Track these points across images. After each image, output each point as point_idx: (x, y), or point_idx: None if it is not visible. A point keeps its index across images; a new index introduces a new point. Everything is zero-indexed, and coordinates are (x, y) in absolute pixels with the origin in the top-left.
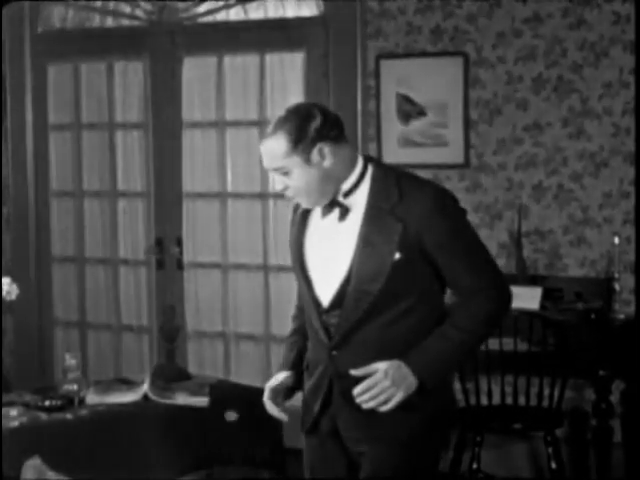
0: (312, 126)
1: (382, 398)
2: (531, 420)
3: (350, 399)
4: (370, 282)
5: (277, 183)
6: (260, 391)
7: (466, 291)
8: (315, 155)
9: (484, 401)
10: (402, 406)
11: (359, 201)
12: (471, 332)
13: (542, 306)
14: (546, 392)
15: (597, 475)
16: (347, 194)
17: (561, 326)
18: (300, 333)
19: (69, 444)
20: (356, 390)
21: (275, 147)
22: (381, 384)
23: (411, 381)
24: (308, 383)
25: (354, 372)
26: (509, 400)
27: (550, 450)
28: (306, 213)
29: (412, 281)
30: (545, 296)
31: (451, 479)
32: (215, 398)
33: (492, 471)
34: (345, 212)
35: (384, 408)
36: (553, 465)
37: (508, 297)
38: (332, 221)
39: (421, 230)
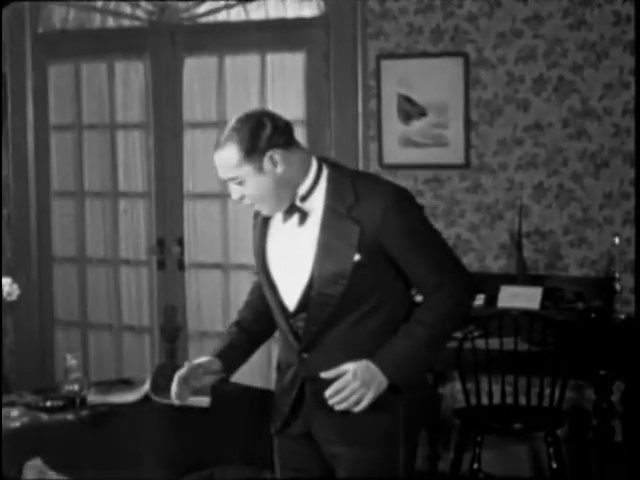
0: (263, 135)
1: (353, 399)
2: (532, 420)
3: (323, 401)
4: (332, 285)
5: (233, 192)
6: (261, 391)
7: (428, 288)
8: (267, 163)
9: (485, 401)
10: (375, 405)
11: (317, 204)
12: (435, 327)
13: (543, 306)
14: (547, 392)
15: (598, 475)
16: (304, 198)
17: (561, 326)
18: (239, 326)
19: (70, 445)
20: (327, 393)
21: (227, 158)
22: (351, 385)
23: (381, 380)
24: (279, 384)
25: (324, 375)
26: (510, 400)
27: (551, 450)
28: (267, 218)
29: (374, 281)
30: (545, 296)
31: (451, 479)
32: (216, 398)
33: (493, 471)
34: (304, 216)
35: (356, 409)
36: (554, 465)
37: (470, 290)
38: (292, 226)
39: (379, 230)
